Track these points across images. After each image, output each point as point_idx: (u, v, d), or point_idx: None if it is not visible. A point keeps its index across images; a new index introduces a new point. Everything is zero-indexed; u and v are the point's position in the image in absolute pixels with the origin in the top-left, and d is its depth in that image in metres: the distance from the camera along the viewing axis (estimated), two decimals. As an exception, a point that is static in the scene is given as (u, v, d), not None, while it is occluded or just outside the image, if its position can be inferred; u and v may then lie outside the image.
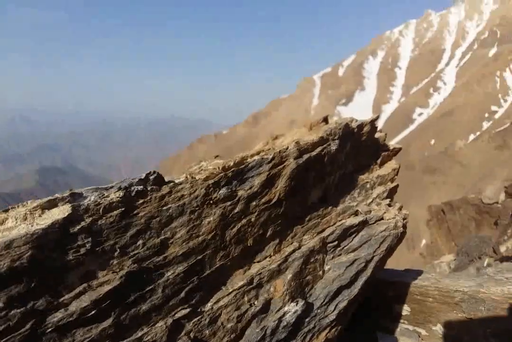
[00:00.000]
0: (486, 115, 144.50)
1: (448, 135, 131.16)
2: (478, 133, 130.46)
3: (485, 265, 14.47)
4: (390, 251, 4.67)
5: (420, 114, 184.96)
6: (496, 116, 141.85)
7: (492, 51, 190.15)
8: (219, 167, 4.13)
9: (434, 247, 29.72)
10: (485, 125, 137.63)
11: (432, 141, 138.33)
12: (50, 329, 2.55)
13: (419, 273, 5.42)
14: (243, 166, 3.79)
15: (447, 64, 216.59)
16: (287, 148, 4.06)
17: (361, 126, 5.27)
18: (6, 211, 2.71)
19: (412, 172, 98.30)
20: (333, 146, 4.51)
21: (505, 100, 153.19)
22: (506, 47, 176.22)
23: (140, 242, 3.07)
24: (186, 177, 3.53)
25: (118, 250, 2.95)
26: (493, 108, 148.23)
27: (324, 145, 4.43)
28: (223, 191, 3.59)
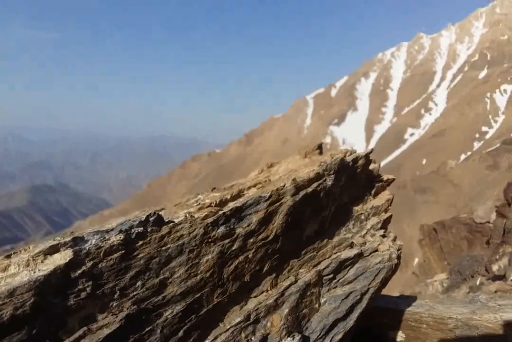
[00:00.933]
0: (477, 135, 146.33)
1: (439, 155, 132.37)
2: (469, 153, 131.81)
3: (477, 284, 14.51)
4: (385, 282, 4.70)
5: (412, 134, 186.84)
6: (487, 136, 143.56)
7: (483, 74, 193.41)
8: (216, 201, 4.18)
9: (427, 266, 29.72)
10: (476, 145, 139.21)
11: (424, 161, 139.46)
12: (50, 375, 2.55)
13: (413, 299, 5.44)
14: (240, 205, 3.84)
15: (438, 85, 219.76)
16: (284, 186, 4.12)
17: (356, 159, 5.36)
18: (9, 256, 2.74)
19: (403, 191, 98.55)
20: (329, 182, 4.59)
21: (495, 121, 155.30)
22: (496, 69, 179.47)
23: (139, 283, 3.08)
24: (185, 216, 3.57)
25: (118, 292, 2.96)
26: (484, 129, 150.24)
27: (320, 181, 4.50)
28: (221, 229, 3.63)
